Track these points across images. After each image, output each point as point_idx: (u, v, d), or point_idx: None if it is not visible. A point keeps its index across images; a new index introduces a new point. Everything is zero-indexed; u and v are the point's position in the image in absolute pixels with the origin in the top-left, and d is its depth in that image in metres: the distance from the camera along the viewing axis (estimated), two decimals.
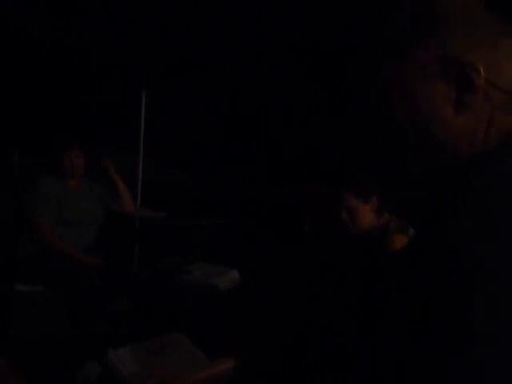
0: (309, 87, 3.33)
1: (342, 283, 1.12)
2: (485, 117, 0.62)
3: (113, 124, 4.39)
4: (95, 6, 3.55)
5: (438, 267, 0.50)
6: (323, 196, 1.12)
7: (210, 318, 2.38)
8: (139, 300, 2.89)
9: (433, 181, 0.66)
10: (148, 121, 4.09)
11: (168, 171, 4.37)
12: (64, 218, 3.09)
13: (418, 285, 0.51)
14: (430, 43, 0.63)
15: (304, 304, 1.21)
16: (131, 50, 3.89)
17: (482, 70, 0.60)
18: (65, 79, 4.18)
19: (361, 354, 0.57)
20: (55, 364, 2.07)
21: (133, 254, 3.77)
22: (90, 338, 2.47)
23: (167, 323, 2.28)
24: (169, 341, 1.59)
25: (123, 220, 3.48)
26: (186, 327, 1.91)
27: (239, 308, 2.24)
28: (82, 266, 2.98)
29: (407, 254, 0.59)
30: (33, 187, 3.16)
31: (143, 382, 0.76)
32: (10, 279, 2.81)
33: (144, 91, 3.98)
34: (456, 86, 0.61)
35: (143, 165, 4.11)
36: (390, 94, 0.65)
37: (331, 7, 2.82)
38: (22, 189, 3.36)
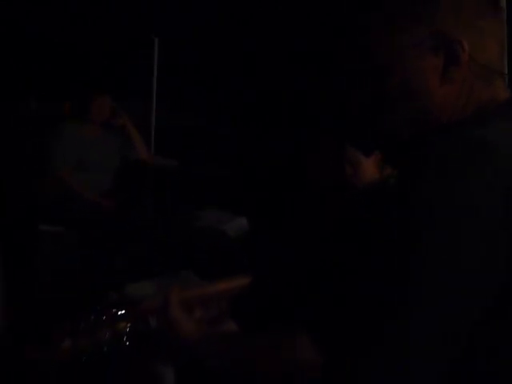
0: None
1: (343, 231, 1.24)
2: (466, 88, 0.71)
3: (125, 72, 4.43)
4: None
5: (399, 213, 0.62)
6: (324, 152, 1.19)
7: (218, 259, 2.53)
8: (152, 243, 3.06)
9: (414, 143, 0.73)
10: (162, 67, 4.14)
11: (183, 118, 4.42)
12: (81, 164, 3.22)
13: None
14: (425, 19, 0.71)
15: (307, 246, 1.33)
16: None
17: (466, 47, 0.69)
18: (77, 23, 4.19)
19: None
20: (75, 297, 2.26)
21: (147, 201, 3.92)
22: (107, 275, 2.65)
23: (178, 263, 2.45)
24: (179, 277, 1.75)
25: (137, 167, 3.61)
26: (196, 266, 2.07)
27: (246, 251, 2.39)
28: (99, 208, 3.14)
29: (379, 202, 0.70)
30: (52, 133, 3.28)
31: (151, 300, 0.90)
32: (34, 219, 2.98)
33: (156, 37, 4.05)
34: (444, 60, 0.70)
35: (157, 112, 4.20)
36: (386, 64, 0.72)
37: None
38: (41, 134, 3.48)
